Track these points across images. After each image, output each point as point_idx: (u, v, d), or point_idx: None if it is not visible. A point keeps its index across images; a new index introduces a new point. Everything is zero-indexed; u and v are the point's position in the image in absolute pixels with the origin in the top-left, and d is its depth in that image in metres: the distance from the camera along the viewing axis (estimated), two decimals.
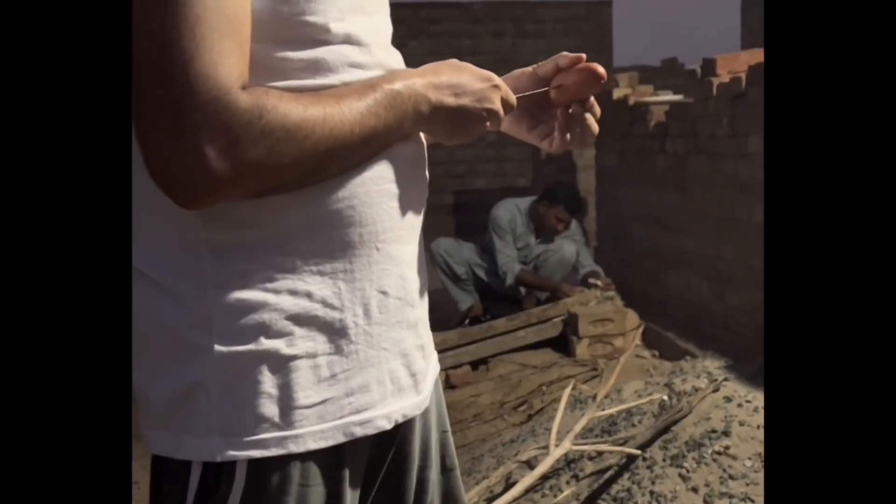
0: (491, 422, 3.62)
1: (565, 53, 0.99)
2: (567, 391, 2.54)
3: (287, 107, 0.75)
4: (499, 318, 4.38)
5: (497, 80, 0.91)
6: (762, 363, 2.88)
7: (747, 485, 2.17)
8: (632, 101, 5.04)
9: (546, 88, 0.99)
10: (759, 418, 2.40)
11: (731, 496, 2.14)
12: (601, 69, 0.97)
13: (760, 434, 2.32)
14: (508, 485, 2.46)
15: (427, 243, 4.97)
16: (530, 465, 2.52)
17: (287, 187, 0.79)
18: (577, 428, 2.38)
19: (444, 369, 4.05)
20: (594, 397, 2.71)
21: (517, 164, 8.63)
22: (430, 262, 4.92)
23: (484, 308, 4.84)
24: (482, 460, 3.06)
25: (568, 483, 2.43)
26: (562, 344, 4.29)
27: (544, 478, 2.50)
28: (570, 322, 4.22)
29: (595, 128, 1.00)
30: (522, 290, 4.87)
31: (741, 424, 2.38)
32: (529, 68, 1.01)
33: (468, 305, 4.83)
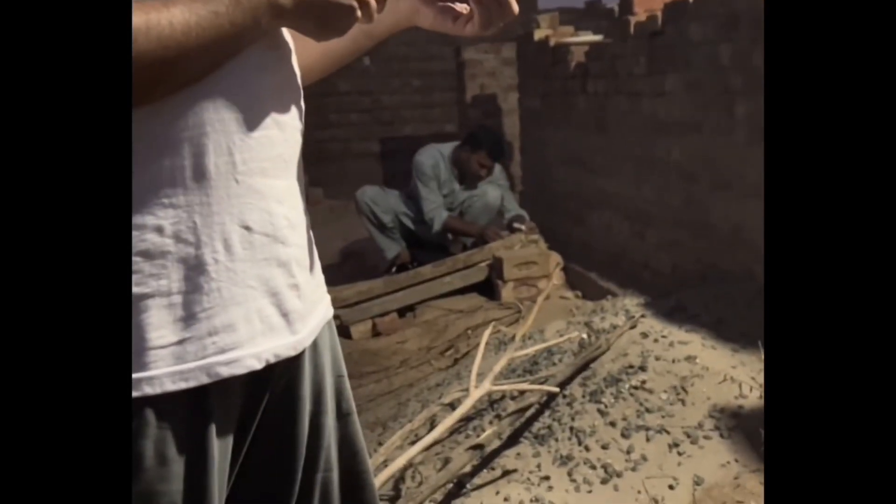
0: (417, 367, 3.63)
1: None
2: (486, 333, 2.55)
3: None
4: (425, 265, 4.38)
5: None
6: (678, 299, 2.94)
7: (663, 417, 2.23)
8: (552, 42, 5.01)
9: None
10: (675, 353, 2.45)
11: (647, 429, 2.19)
12: None
13: (675, 368, 2.38)
14: (432, 427, 2.47)
15: (353, 192, 4.86)
16: (453, 407, 2.54)
17: None
18: (497, 368, 2.40)
19: (370, 318, 4.03)
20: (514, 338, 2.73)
21: (444, 109, 8.55)
22: (356, 210, 4.87)
23: (411, 255, 4.82)
24: (408, 405, 3.08)
25: (490, 423, 2.45)
26: (488, 288, 4.32)
27: (468, 419, 2.52)
28: (496, 266, 4.24)
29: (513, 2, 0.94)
30: (449, 236, 4.87)
31: (657, 359, 2.44)
32: None
33: (395, 253, 4.81)
